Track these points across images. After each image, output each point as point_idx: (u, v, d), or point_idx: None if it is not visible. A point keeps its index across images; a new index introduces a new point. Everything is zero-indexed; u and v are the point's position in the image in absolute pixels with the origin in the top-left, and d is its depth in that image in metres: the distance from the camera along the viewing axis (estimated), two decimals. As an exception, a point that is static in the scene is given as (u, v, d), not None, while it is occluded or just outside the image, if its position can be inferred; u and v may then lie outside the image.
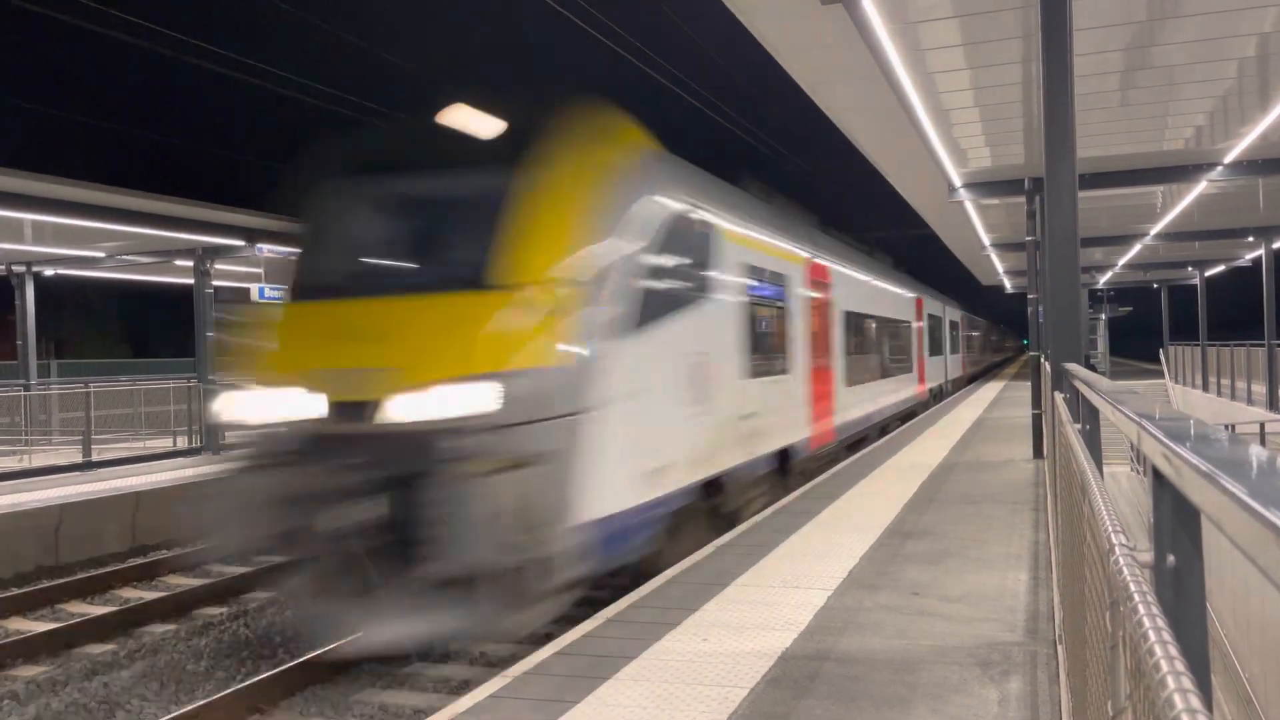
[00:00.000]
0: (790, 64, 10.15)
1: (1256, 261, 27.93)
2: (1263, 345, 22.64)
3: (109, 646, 8.33)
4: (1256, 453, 1.41)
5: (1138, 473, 13.43)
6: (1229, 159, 14.12)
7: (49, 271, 19.78)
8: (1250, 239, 23.73)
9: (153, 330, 54.02)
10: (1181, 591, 1.61)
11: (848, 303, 16.68)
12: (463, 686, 6.95)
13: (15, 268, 19.35)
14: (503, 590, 6.48)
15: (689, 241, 9.04)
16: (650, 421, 8.01)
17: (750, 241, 10.98)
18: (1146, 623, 1.10)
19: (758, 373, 11.10)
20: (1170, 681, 0.91)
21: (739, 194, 11.51)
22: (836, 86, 11.06)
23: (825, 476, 12.91)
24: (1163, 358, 39.04)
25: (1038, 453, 14.22)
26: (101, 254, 18.40)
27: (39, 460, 15.46)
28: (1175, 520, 1.61)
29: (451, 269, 7.26)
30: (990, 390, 35.18)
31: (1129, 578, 1.33)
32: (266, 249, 17.20)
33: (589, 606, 8.56)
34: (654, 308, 8.08)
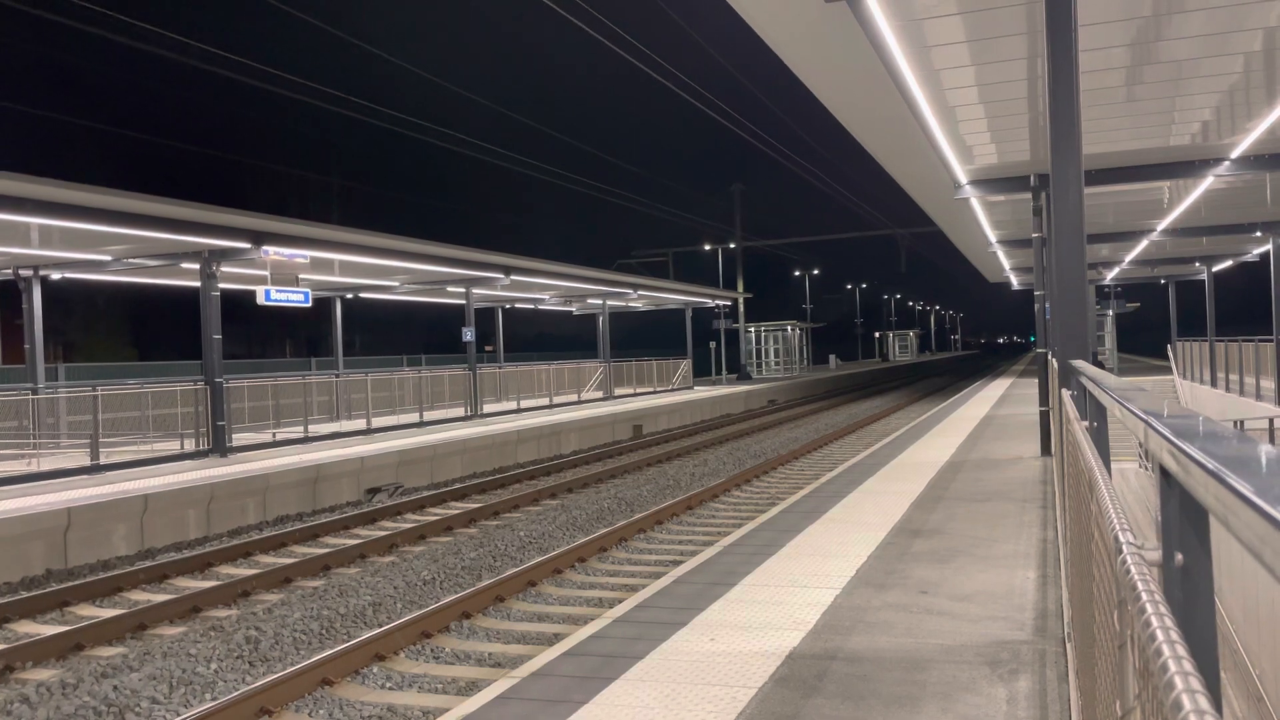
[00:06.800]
0: (794, 63, 10.13)
1: (1264, 257, 27.82)
2: (1271, 340, 22.53)
3: (119, 650, 8.36)
4: (1264, 451, 1.40)
5: (1146, 469, 13.38)
6: (1236, 154, 14.05)
7: (56, 275, 19.80)
8: (1258, 234, 23.64)
9: (158, 333, 54.25)
10: (1190, 590, 1.60)
11: None
12: (470, 687, 6.95)
13: (22, 271, 19.36)
14: None
15: None
16: None
17: None
18: (1154, 622, 1.09)
19: None
20: (1178, 682, 0.90)
21: None
22: (841, 85, 11.03)
23: (833, 474, 12.89)
24: (1171, 353, 38.91)
25: (1045, 450, 14.18)
26: (108, 258, 18.41)
27: (47, 464, 15.48)
28: (1183, 518, 1.60)
29: None
30: (997, 387, 35.09)
31: (1136, 577, 1.32)
32: (272, 252, 17.21)
33: (597, 606, 8.54)
34: None
